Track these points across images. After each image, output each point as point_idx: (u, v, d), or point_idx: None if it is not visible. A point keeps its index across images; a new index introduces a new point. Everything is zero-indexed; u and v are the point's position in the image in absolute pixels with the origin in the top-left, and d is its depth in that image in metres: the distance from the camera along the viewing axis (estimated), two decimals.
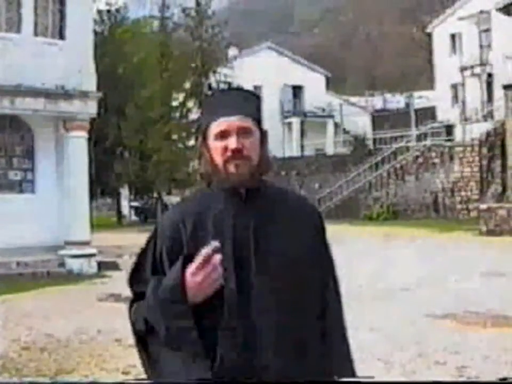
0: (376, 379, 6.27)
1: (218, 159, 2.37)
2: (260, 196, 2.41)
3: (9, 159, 18.71)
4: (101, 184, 40.21)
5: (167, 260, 2.36)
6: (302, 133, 52.50)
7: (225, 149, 2.35)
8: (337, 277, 2.55)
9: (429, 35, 52.47)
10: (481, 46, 45.21)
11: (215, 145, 2.38)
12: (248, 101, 2.45)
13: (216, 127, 2.38)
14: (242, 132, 2.36)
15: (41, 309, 11.97)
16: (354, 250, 19.07)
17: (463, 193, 34.41)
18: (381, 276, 14.94)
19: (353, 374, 2.47)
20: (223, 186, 2.39)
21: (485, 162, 31.25)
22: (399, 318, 10.27)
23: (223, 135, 2.36)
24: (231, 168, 2.35)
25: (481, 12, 44.02)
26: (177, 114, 42.56)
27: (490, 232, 24.52)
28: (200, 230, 2.36)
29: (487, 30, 44.80)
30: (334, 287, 2.53)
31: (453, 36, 48.17)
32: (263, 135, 2.45)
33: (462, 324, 9.83)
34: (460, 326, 9.73)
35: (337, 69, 68.61)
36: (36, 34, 17.91)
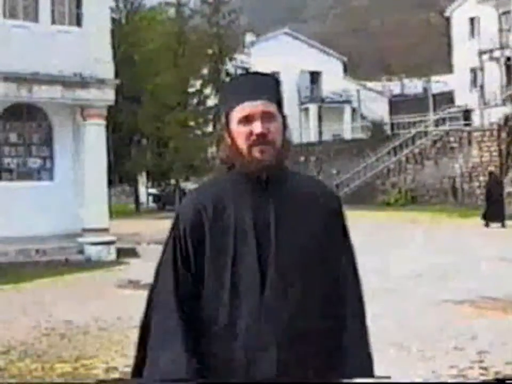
0: (394, 365, 6.27)
1: (242, 144, 2.34)
2: (280, 181, 2.39)
3: (28, 147, 18.83)
4: (119, 172, 40.40)
5: (191, 244, 2.35)
6: (320, 119, 52.34)
7: (250, 133, 2.33)
8: (357, 265, 2.50)
9: (447, 19, 52.00)
10: (500, 30, 44.73)
11: (239, 130, 2.35)
12: (270, 85, 2.44)
13: (239, 111, 2.35)
14: (267, 117, 2.34)
15: (60, 296, 12.05)
16: (370, 236, 18.99)
17: (481, 178, 34.17)
18: (397, 261, 14.88)
19: (371, 374, 2.35)
20: (245, 171, 2.36)
21: (503, 147, 31.04)
22: (417, 304, 10.24)
23: (247, 119, 2.34)
24: (256, 153, 2.33)
25: None
26: (194, 101, 42.58)
27: (509, 217, 24.34)
28: (221, 214, 2.35)
29: (507, 13, 44.31)
30: (354, 276, 2.46)
31: (471, 20, 47.71)
32: (284, 119, 2.43)
33: (480, 310, 9.79)
34: (478, 311, 9.69)
35: (354, 55, 68.26)
36: (53, 22, 17.95)
